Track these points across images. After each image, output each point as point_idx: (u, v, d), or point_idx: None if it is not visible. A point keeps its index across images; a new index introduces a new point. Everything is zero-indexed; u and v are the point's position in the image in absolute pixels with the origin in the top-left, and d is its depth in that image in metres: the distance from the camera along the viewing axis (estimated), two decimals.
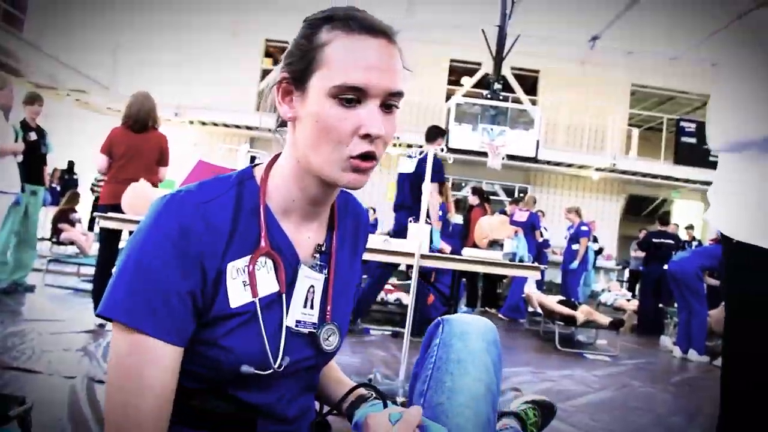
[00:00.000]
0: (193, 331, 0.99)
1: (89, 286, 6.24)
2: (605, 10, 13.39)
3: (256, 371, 1.02)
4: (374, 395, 1.25)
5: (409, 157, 6.15)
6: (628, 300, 9.91)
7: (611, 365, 5.87)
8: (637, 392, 4.77)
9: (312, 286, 1.14)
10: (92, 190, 12.96)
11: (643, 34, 14.05)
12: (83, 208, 12.06)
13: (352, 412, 1.23)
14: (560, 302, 6.96)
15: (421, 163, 5.28)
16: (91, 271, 7.54)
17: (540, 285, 9.54)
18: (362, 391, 1.29)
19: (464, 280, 8.16)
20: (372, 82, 0.97)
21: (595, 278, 12.74)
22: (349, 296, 1.28)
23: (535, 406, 1.95)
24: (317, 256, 1.16)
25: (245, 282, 1.02)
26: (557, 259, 11.48)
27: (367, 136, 0.99)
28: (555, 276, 11.16)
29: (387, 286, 7.19)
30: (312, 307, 1.14)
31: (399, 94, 1.01)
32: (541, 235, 9.82)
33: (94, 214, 5.09)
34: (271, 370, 1.03)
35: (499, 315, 8.68)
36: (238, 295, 1.02)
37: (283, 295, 1.07)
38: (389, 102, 1.01)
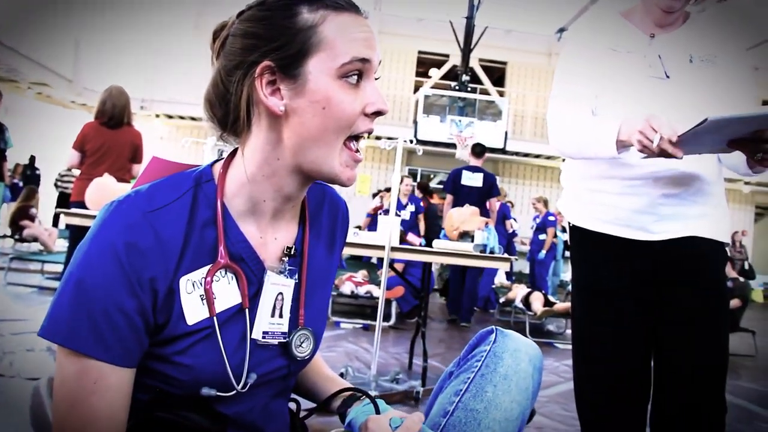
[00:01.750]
0: (145, 349, 0.91)
1: (55, 284, 6.12)
2: (571, 2, 13.47)
3: (218, 393, 0.94)
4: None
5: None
6: None
7: None
8: None
9: (281, 293, 1.03)
10: (56, 185, 12.71)
11: None
12: (48, 204, 11.85)
13: (344, 411, 1.16)
14: (533, 293, 6.99)
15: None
16: (56, 268, 7.43)
17: (509, 276, 9.57)
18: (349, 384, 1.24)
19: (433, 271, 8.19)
20: (373, 54, 0.94)
21: (564, 268, 12.82)
22: (326, 296, 1.18)
23: None
24: (285, 260, 1.05)
25: (202, 296, 0.93)
26: (525, 249, 11.54)
27: (376, 113, 0.96)
28: (524, 266, 11.21)
29: (357, 279, 7.15)
30: (281, 315, 1.03)
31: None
32: (512, 226, 9.87)
33: (57, 210, 4.97)
34: (235, 392, 0.95)
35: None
36: (194, 311, 0.92)
37: (246, 309, 0.98)
38: (376, 76, 0.98)
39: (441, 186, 16.28)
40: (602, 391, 1.90)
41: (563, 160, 2.09)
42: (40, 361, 3.50)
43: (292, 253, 1.05)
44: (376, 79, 0.98)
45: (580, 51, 1.93)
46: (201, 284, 0.93)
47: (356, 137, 0.96)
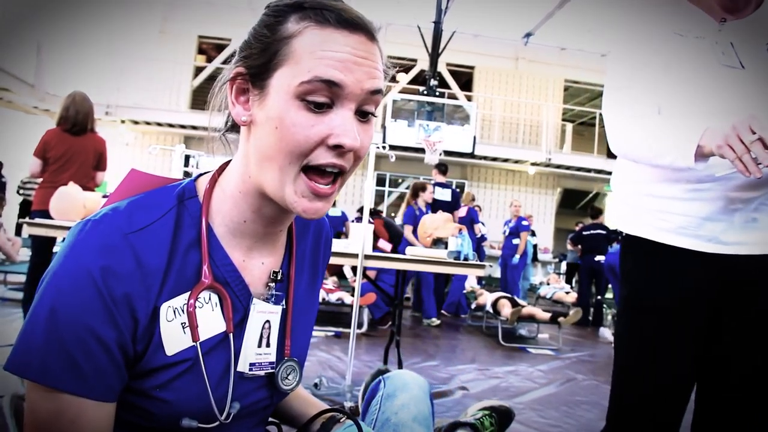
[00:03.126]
0: (125, 382, 0.84)
1: (18, 295, 5.95)
2: (538, 7, 13.56)
3: (199, 425, 0.88)
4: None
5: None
6: (567, 292, 10.05)
7: (555, 359, 5.92)
8: (582, 386, 4.82)
9: (267, 321, 0.97)
10: (18, 192, 12.44)
11: (574, 31, 14.29)
12: (10, 212, 11.58)
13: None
14: (501, 299, 7.00)
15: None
16: (20, 278, 7.23)
17: (480, 280, 9.59)
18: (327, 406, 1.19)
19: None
20: (348, 78, 0.82)
21: (533, 271, 12.90)
22: (310, 325, 1.13)
23: (492, 412, 1.89)
24: (272, 285, 0.99)
25: (184, 324, 0.86)
26: (495, 253, 11.58)
27: (337, 147, 0.83)
28: (494, 270, 11.24)
29: (328, 286, 7.10)
30: (268, 345, 0.97)
31: (378, 92, 0.86)
32: (480, 230, 9.88)
33: (20, 221, 4.83)
34: (217, 423, 0.89)
35: (442, 311, 8.69)
36: (175, 341, 0.85)
37: (231, 335, 0.91)
38: (365, 108, 0.86)
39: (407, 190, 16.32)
40: (639, 416, 1.73)
41: (597, 152, 1.86)
42: (2, 377, 3.36)
43: (279, 278, 0.99)
44: (365, 114, 0.87)
45: (640, 35, 1.68)
46: (183, 311, 0.86)
47: (318, 169, 0.85)
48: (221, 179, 0.95)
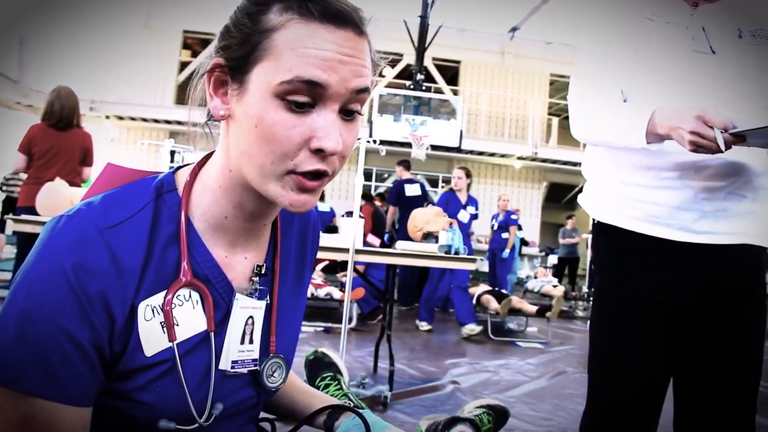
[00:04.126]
0: (101, 385, 0.80)
1: (3, 293, 5.88)
2: (524, 2, 13.60)
3: (177, 427, 0.84)
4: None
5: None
6: (555, 286, 10.07)
7: (544, 352, 5.94)
8: (572, 378, 4.83)
9: (251, 317, 0.93)
10: (1, 188, 12.31)
11: (560, 26, 14.32)
12: None
13: (332, 425, 1.09)
14: (488, 292, 7.01)
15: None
16: (4, 276, 7.16)
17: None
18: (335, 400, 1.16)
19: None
20: (332, 79, 0.77)
21: (520, 265, 12.94)
22: (297, 321, 1.08)
23: (489, 410, 1.88)
24: (256, 279, 0.95)
25: (163, 323, 0.82)
26: (482, 247, 11.59)
27: (319, 151, 0.79)
28: (481, 265, 11.25)
29: (317, 281, 7.08)
30: (251, 341, 0.94)
31: (365, 91, 0.81)
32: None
33: (6, 217, 4.77)
34: (197, 425, 0.86)
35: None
36: (154, 341, 0.82)
37: (212, 334, 0.87)
38: (350, 107, 0.81)
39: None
40: (616, 408, 1.71)
41: (583, 146, 1.86)
42: None
43: (263, 271, 0.96)
44: (350, 113, 0.82)
45: (609, 20, 1.67)
46: (161, 310, 0.83)
47: (310, 174, 0.81)
48: (202, 173, 0.91)
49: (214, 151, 0.92)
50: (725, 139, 1.31)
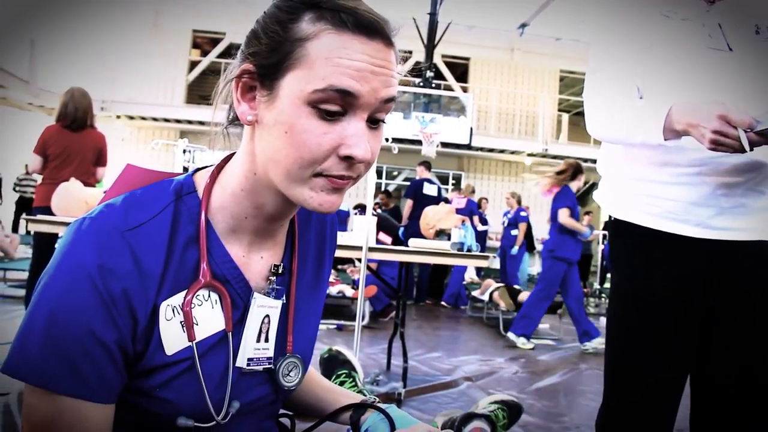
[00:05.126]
0: (125, 383, 0.83)
1: (19, 292, 5.94)
2: None
3: (196, 424, 0.86)
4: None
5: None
6: None
7: (556, 349, 5.94)
8: (585, 375, 4.83)
9: (267, 316, 0.95)
10: (14, 189, 12.43)
11: (569, 22, 14.26)
12: (7, 209, 11.56)
13: (357, 420, 1.10)
14: (497, 289, 7.01)
15: None
16: (19, 275, 7.21)
17: (479, 272, 9.61)
18: (361, 397, 1.17)
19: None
20: (364, 89, 0.78)
21: (530, 262, 12.90)
22: (315, 321, 1.10)
23: (504, 406, 1.90)
24: (273, 279, 0.96)
25: (183, 323, 0.85)
26: (495, 244, 11.59)
27: (348, 158, 0.80)
28: (493, 262, 11.24)
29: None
30: (267, 340, 0.95)
31: (392, 100, 0.83)
32: (480, 222, 9.90)
33: (21, 217, 4.81)
34: (214, 422, 0.88)
35: (442, 303, 8.71)
36: (175, 340, 0.84)
37: (230, 334, 0.89)
38: (377, 116, 0.83)
39: (407, 182, 16.30)
40: (628, 406, 1.71)
41: (594, 142, 1.82)
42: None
43: (280, 271, 0.97)
44: (376, 121, 0.84)
45: (624, 17, 1.65)
46: (181, 309, 0.85)
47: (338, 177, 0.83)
48: (222, 176, 0.92)
49: (233, 154, 0.94)
50: (750, 139, 1.30)
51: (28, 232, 4.67)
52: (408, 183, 15.67)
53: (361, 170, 0.84)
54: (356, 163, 0.81)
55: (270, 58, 0.80)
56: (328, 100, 0.77)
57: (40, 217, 3.74)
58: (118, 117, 14.66)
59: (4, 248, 8.70)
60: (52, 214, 3.87)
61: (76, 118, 4.63)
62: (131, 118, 14.79)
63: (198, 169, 0.96)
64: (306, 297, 1.05)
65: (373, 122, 0.83)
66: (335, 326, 6.11)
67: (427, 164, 9.19)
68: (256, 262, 0.96)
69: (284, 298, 0.99)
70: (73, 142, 4.63)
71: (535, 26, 15.04)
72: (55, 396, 0.76)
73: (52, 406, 0.77)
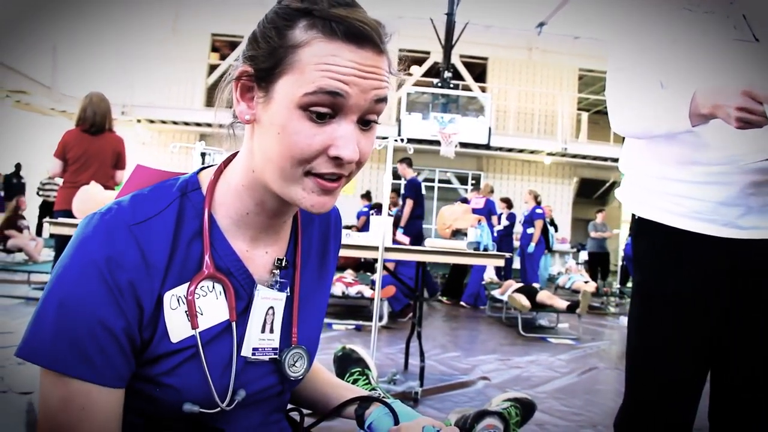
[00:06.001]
0: (133, 369, 0.87)
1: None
2: None
3: (201, 410, 0.90)
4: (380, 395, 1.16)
5: None
6: (586, 282, 10.01)
7: (575, 348, 5.91)
8: (603, 374, 4.81)
9: (271, 308, 0.99)
10: (38, 193, 12.59)
11: (588, 20, 14.19)
12: (30, 213, 11.73)
13: (362, 413, 1.13)
14: (519, 289, 6.99)
15: None
16: (43, 278, 7.32)
17: (499, 271, 9.58)
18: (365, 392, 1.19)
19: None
20: (353, 90, 0.82)
21: (551, 261, 12.83)
22: (319, 314, 1.13)
23: (516, 403, 1.90)
24: (277, 272, 1.01)
25: (187, 312, 0.89)
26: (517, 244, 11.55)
27: (337, 159, 0.84)
28: (516, 262, 11.19)
29: (347, 279, 7.12)
30: (272, 330, 0.99)
31: (382, 101, 0.87)
32: (499, 221, 9.87)
33: (43, 220, 4.89)
34: (219, 409, 0.91)
35: (461, 303, 8.70)
36: (179, 328, 0.88)
37: (234, 324, 0.93)
38: (368, 117, 0.87)
39: (426, 183, 16.30)
40: (645, 406, 1.70)
41: (614, 140, 1.75)
42: (32, 374, 3.43)
43: (284, 264, 1.01)
44: (367, 123, 0.88)
45: (646, 11, 1.62)
46: (185, 299, 0.89)
47: (320, 175, 0.86)
48: (226, 172, 0.97)
49: (237, 152, 0.98)
50: None
51: (51, 236, 4.74)
52: (427, 183, 15.72)
53: (352, 169, 0.88)
54: (344, 163, 0.85)
55: (266, 62, 0.85)
56: (318, 103, 0.81)
57: (60, 220, 3.80)
58: (139, 121, 14.81)
59: (28, 252, 8.87)
60: (72, 217, 3.93)
61: (94, 122, 4.72)
62: (151, 121, 14.94)
63: (203, 168, 1.00)
64: (310, 291, 1.09)
65: (364, 124, 0.87)
66: (354, 327, 6.13)
67: (408, 161, 8.81)
68: (261, 257, 1.00)
69: (288, 291, 1.02)
70: (92, 145, 4.72)
71: (554, 25, 15.00)
72: (66, 379, 0.81)
73: (64, 389, 0.81)
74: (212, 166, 0.99)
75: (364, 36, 0.83)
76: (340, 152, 0.83)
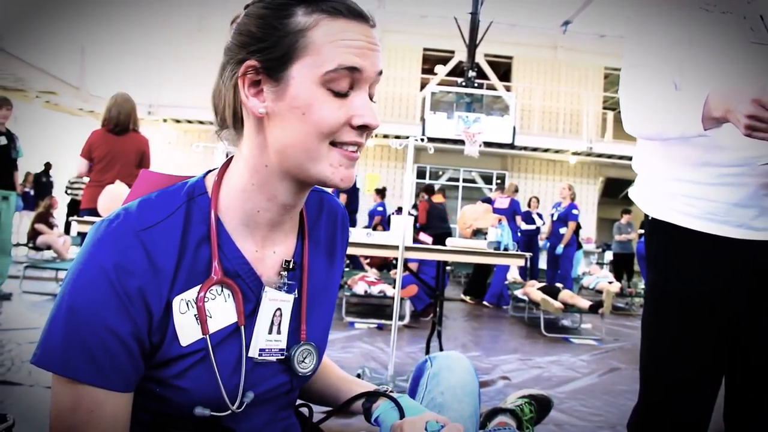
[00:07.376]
0: (141, 373, 0.89)
1: None
2: None
3: (212, 413, 0.92)
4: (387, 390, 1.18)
5: None
6: (610, 282, 9.90)
7: (597, 349, 5.88)
8: (624, 375, 4.78)
9: (279, 309, 1.00)
10: (66, 192, 12.76)
11: (613, 18, 14.07)
12: (59, 211, 11.90)
13: (369, 407, 1.15)
14: (541, 288, 6.97)
15: None
16: None
17: (522, 271, 9.52)
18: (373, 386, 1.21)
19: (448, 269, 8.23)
20: (366, 63, 0.88)
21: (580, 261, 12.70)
22: (328, 312, 1.15)
23: (531, 400, 1.91)
24: (284, 274, 1.02)
25: (197, 316, 0.91)
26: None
27: (362, 127, 0.90)
28: (542, 262, 11.08)
29: (370, 278, 7.14)
30: (279, 332, 1.01)
31: (381, 73, 0.93)
32: (525, 221, 9.80)
33: (71, 218, 4.98)
34: (230, 411, 0.94)
35: (484, 302, 8.69)
36: (189, 332, 0.90)
37: (242, 327, 0.95)
38: (371, 91, 0.93)
39: (450, 182, 16.28)
40: (657, 406, 1.70)
41: (635, 140, 1.76)
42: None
43: (291, 266, 1.02)
44: (370, 95, 0.94)
45: (662, 10, 1.59)
46: (195, 304, 0.91)
47: (342, 144, 0.91)
48: (227, 175, 0.98)
49: (231, 158, 1.00)
50: None
51: (78, 234, 4.84)
52: (451, 183, 15.70)
53: (367, 137, 0.94)
54: (366, 131, 0.91)
55: (274, 52, 0.88)
56: (338, 79, 0.87)
57: (86, 218, 3.87)
58: (165, 120, 14.96)
59: (57, 249, 9.01)
60: (98, 215, 4.00)
61: (119, 122, 4.80)
62: (177, 121, 15.08)
63: (209, 171, 1.02)
64: (318, 290, 1.10)
65: (369, 97, 0.93)
66: (376, 326, 6.15)
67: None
68: (269, 257, 1.01)
69: (296, 292, 1.04)
70: (117, 145, 4.80)
71: (579, 23, 14.90)
72: (76, 384, 0.84)
73: (74, 394, 0.84)
74: (216, 169, 1.01)
75: (361, 11, 0.90)
76: (365, 120, 0.90)
